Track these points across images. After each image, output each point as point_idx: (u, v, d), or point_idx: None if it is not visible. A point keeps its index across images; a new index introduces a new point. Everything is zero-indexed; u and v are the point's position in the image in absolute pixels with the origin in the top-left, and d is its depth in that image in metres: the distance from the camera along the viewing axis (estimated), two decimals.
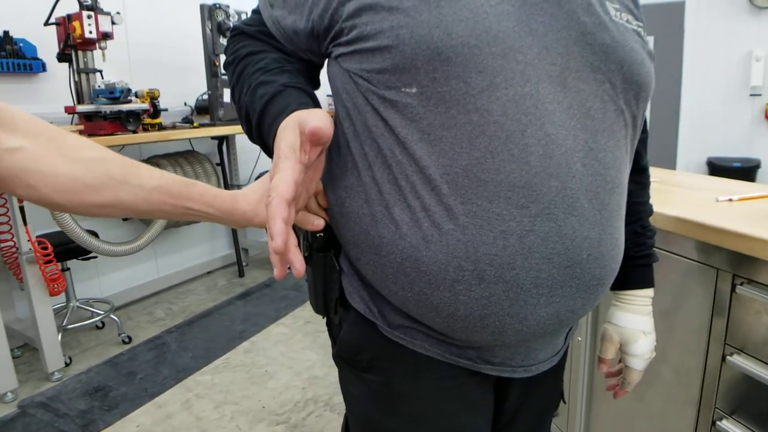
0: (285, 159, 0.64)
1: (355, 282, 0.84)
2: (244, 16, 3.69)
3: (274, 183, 0.62)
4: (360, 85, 0.75)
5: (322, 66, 0.88)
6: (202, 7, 3.57)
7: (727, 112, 5.43)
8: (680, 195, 1.60)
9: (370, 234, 0.76)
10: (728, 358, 1.22)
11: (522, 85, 0.68)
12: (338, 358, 0.90)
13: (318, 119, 0.66)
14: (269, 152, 0.74)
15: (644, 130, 0.98)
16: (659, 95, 5.77)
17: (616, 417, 1.63)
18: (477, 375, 0.85)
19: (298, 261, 0.62)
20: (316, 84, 0.90)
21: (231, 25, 3.52)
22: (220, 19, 3.52)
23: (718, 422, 1.25)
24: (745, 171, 5.29)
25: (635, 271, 1.01)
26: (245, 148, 4.43)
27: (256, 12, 0.89)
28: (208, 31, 3.57)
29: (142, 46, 3.74)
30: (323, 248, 0.85)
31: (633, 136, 0.83)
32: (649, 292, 1.03)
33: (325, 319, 0.94)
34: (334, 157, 0.81)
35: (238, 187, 4.41)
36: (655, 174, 1.96)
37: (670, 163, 5.79)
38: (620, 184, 0.78)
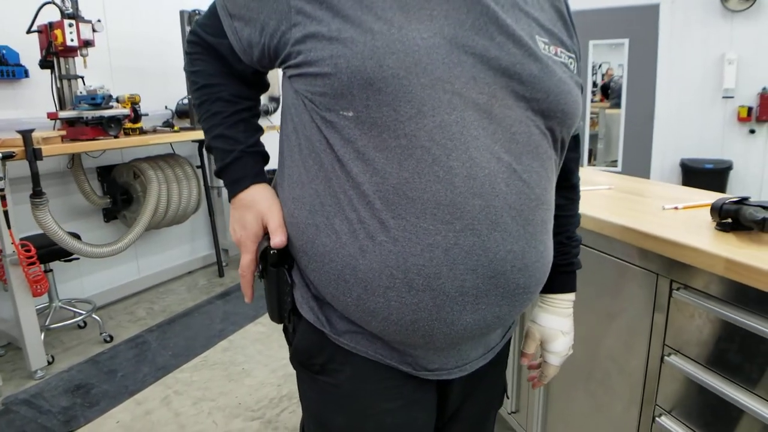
0: (250, 246, 0.95)
1: (306, 293, 0.93)
2: None
3: (243, 264, 0.95)
4: (306, 104, 0.84)
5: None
6: (181, 13, 3.66)
7: (701, 114, 5.52)
8: (629, 202, 1.69)
9: (314, 243, 0.85)
10: (666, 358, 1.32)
11: (449, 113, 0.76)
12: (293, 361, 0.99)
13: (279, 239, 0.91)
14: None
15: (575, 150, 1.08)
16: (634, 98, 5.91)
17: (571, 414, 1.73)
18: (417, 377, 0.94)
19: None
20: (265, 87, 1.04)
21: None
22: None
23: (657, 419, 1.35)
24: (718, 173, 5.40)
25: (559, 277, 1.10)
26: None
27: (214, 15, 0.96)
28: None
29: (123, 51, 3.81)
30: (276, 263, 0.93)
31: (559, 157, 0.93)
32: (570, 296, 1.13)
33: (282, 326, 1.03)
34: (284, 170, 0.92)
35: (218, 189, 4.49)
36: (609, 180, 2.07)
37: (644, 165, 5.91)
38: (546, 201, 0.87)
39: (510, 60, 0.79)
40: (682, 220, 1.42)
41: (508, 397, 1.23)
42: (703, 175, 5.46)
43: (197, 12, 3.63)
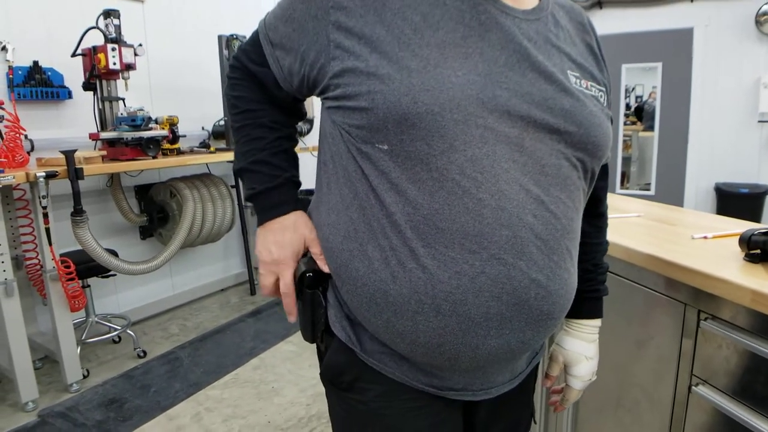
0: (292, 264, 0.99)
1: (339, 313, 0.96)
2: None
3: (285, 283, 0.98)
4: (342, 135, 0.87)
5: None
6: (219, 37, 3.77)
7: (736, 138, 5.46)
8: (659, 231, 1.69)
9: (348, 267, 0.88)
10: (694, 388, 1.31)
11: (480, 147, 0.79)
12: (324, 378, 1.02)
13: (317, 252, 0.96)
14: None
15: (604, 179, 1.09)
16: (667, 121, 5.86)
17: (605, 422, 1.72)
18: (444, 398, 0.96)
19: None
20: (302, 115, 1.09)
21: None
22: (236, 48, 3.69)
23: None
24: (753, 197, 5.31)
25: (584, 304, 1.11)
26: None
27: (256, 43, 1.00)
28: (225, 60, 3.75)
29: (163, 73, 3.94)
30: (312, 286, 0.97)
31: (588, 188, 0.95)
32: (596, 322, 1.14)
33: (314, 344, 1.06)
34: (321, 197, 0.95)
35: (252, 208, 4.57)
36: (639, 207, 2.06)
37: (678, 188, 5.84)
38: (572, 230, 0.89)
39: (542, 95, 0.82)
40: (711, 249, 1.41)
41: (535, 422, 1.24)
42: (738, 199, 5.38)
43: (235, 37, 3.72)
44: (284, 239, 0.97)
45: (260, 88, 1.02)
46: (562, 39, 0.90)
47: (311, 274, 0.95)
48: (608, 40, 5.88)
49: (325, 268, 0.94)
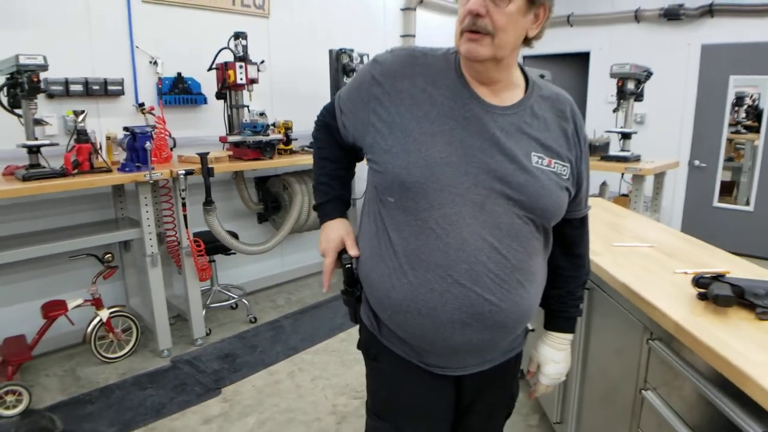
0: (332, 253, 1.40)
1: (366, 307, 1.40)
2: (365, 59, 4.35)
3: (326, 263, 1.41)
4: (374, 185, 1.30)
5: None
6: (330, 51, 4.30)
7: None
8: (652, 263, 1.95)
9: (369, 276, 1.32)
10: (643, 392, 1.63)
11: (451, 207, 1.15)
12: (359, 348, 1.47)
13: (355, 252, 1.37)
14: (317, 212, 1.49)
15: (580, 228, 1.43)
16: None
17: (597, 421, 2.05)
18: (434, 373, 1.33)
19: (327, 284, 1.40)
20: (360, 158, 1.48)
21: (354, 66, 4.19)
22: (344, 61, 4.21)
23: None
24: None
25: (556, 320, 1.48)
26: (359, 167, 5.11)
27: (333, 106, 1.42)
28: (334, 71, 4.28)
29: (283, 81, 4.55)
30: (351, 285, 1.40)
31: (545, 237, 1.28)
32: (566, 335, 1.48)
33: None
34: (362, 226, 1.39)
35: (353, 200, 5.10)
36: (662, 238, 2.31)
37: None
38: (522, 268, 1.21)
39: (504, 172, 1.16)
40: (680, 284, 1.68)
41: (513, 404, 1.57)
42: None
43: (343, 51, 4.23)
44: (330, 236, 1.42)
45: (331, 135, 1.45)
46: (535, 127, 1.21)
47: (350, 263, 1.39)
48: (717, 49, 5.79)
49: (353, 251, 1.38)
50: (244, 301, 4.17)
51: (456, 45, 1.18)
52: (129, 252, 3.71)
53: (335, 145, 1.46)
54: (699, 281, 1.59)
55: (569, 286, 1.46)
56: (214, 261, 3.98)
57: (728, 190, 6.18)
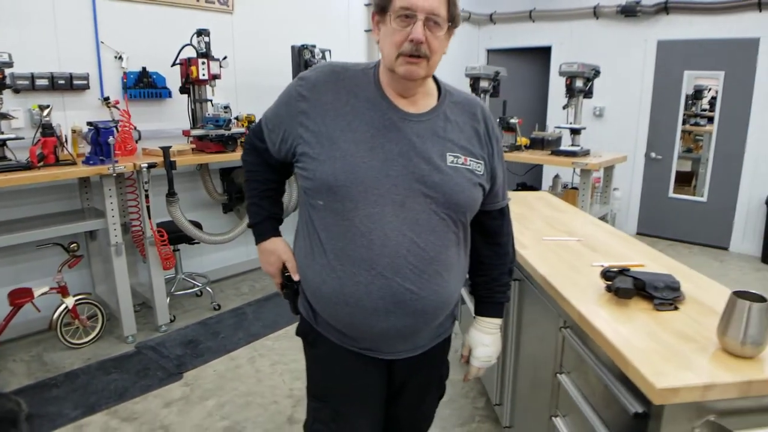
0: (277, 276, 1.54)
1: (303, 299, 1.53)
2: (327, 55, 4.49)
3: (276, 284, 1.56)
4: (303, 191, 1.42)
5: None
6: (292, 47, 4.43)
7: None
8: (575, 256, 2.11)
9: (305, 273, 1.46)
10: (558, 375, 1.78)
11: (374, 207, 1.28)
12: (298, 335, 1.60)
13: (298, 277, 1.47)
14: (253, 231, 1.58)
15: (500, 219, 1.57)
16: (726, 130, 5.77)
17: (527, 401, 2.21)
18: (366, 356, 1.44)
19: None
20: (289, 174, 1.60)
21: (316, 62, 4.32)
22: (306, 57, 4.33)
23: (554, 418, 1.83)
24: None
25: (483, 306, 1.62)
26: None
27: (259, 128, 1.52)
28: (296, 65, 4.41)
29: (246, 75, 4.65)
30: (288, 284, 1.54)
31: (462, 231, 1.41)
32: (494, 320, 1.61)
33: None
34: (297, 229, 1.51)
35: None
36: (593, 233, 2.46)
37: (731, 198, 5.86)
38: (440, 260, 1.33)
39: (420, 173, 1.29)
40: (593, 277, 1.84)
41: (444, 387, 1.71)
42: None
43: (305, 46, 4.36)
44: (269, 260, 1.56)
45: (259, 156, 1.57)
46: (449, 130, 1.36)
47: (289, 282, 1.53)
48: (672, 45, 5.97)
49: (296, 277, 1.50)
50: (208, 289, 4.31)
51: (389, 65, 1.30)
52: (95, 241, 3.83)
53: (264, 165, 1.56)
54: (606, 274, 1.75)
55: (494, 273, 1.59)
56: (178, 250, 4.11)
57: (688, 180, 6.37)
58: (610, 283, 1.71)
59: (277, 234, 1.60)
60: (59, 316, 3.38)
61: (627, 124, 6.47)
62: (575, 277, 1.89)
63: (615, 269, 1.75)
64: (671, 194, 6.36)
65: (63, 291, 3.40)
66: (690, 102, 6.18)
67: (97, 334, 3.56)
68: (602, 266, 1.86)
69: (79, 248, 3.48)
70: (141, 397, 2.93)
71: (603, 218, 4.82)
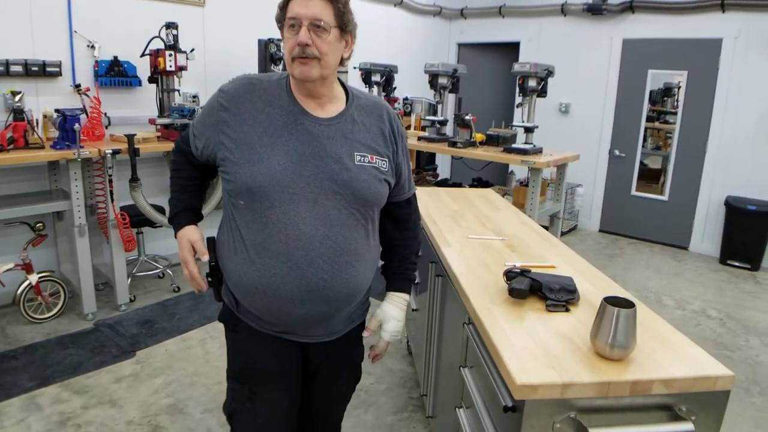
0: (190, 261, 1.59)
1: (226, 289, 1.67)
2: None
3: (190, 270, 1.60)
4: (226, 191, 1.53)
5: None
6: (259, 41, 4.60)
7: (753, 153, 5.54)
8: (493, 255, 2.20)
9: (227, 265, 1.58)
10: (462, 368, 1.87)
11: (289, 204, 1.39)
12: (220, 320, 1.73)
13: (205, 257, 1.58)
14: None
15: (407, 207, 1.70)
16: (688, 129, 5.87)
17: (448, 389, 2.35)
18: (284, 339, 1.56)
19: (201, 285, 1.61)
20: (213, 174, 1.71)
21: (281, 56, 4.48)
22: (272, 50, 4.51)
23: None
24: (761, 215, 5.45)
25: (394, 281, 1.74)
26: None
27: (186, 134, 1.63)
28: (263, 59, 4.58)
29: (215, 66, 4.82)
30: (213, 273, 1.61)
31: (371, 224, 1.54)
32: (403, 295, 1.72)
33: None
34: (222, 224, 1.65)
35: None
36: (522, 232, 2.55)
37: (692, 197, 5.99)
38: (350, 251, 1.46)
39: (331, 172, 1.42)
40: (501, 276, 1.88)
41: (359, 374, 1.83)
42: (746, 215, 5.52)
43: (272, 40, 4.52)
44: (181, 244, 1.63)
45: (185, 157, 1.66)
46: (357, 131, 1.49)
47: (213, 263, 1.64)
48: (637, 44, 6.10)
49: (204, 258, 1.57)
50: (169, 271, 4.49)
51: (289, 69, 1.44)
52: (62, 222, 3.99)
53: (188, 165, 1.68)
54: (508, 274, 1.82)
55: (404, 253, 1.75)
56: (142, 233, 4.29)
57: (656, 178, 6.45)
58: (510, 282, 1.78)
59: (193, 223, 1.69)
60: (23, 291, 3.57)
61: (592, 121, 6.60)
62: (485, 276, 1.97)
63: (517, 270, 1.82)
64: (634, 192, 6.49)
65: (27, 268, 3.57)
66: (662, 99, 6.27)
67: (58, 311, 3.74)
68: (514, 266, 1.92)
69: (45, 228, 3.65)
70: (94, 372, 3.13)
71: (555, 216, 5.03)
